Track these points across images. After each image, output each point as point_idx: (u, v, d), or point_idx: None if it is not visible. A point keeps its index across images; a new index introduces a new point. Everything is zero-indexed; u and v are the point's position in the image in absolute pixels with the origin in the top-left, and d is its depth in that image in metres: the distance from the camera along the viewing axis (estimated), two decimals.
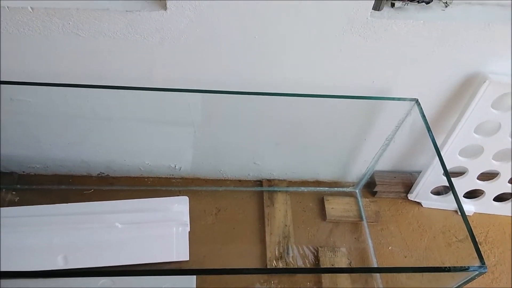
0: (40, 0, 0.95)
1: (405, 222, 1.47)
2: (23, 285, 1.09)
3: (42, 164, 1.39)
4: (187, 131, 1.31)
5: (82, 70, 1.10)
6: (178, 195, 1.42)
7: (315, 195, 1.51)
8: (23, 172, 1.41)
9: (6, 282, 1.05)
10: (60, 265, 1.21)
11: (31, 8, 0.94)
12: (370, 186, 1.51)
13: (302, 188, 1.51)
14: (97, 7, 0.95)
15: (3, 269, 1.17)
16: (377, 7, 0.98)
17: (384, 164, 1.46)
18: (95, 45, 1.03)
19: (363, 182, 1.48)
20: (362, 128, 1.28)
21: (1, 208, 1.30)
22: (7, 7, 0.94)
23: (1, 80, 1.06)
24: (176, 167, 1.44)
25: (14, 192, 1.37)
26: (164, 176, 1.48)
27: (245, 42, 1.05)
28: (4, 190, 1.36)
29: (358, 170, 1.47)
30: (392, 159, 1.45)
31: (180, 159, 1.42)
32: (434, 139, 1.08)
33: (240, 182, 1.52)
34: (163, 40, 1.03)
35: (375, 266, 1.35)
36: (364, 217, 1.44)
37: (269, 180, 1.51)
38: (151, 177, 1.47)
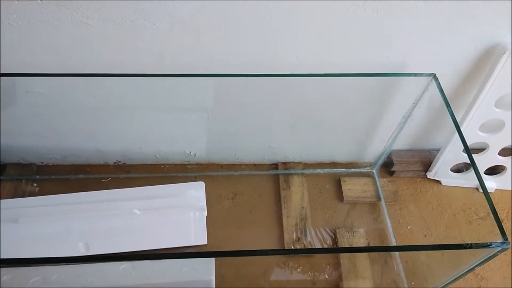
0: None
1: (424, 201, 1.45)
2: (49, 272, 1.13)
3: (60, 155, 1.41)
4: (201, 116, 1.30)
5: (94, 59, 1.10)
6: (194, 181, 1.42)
7: (332, 176, 1.49)
8: (42, 163, 1.43)
9: (30, 270, 1.08)
10: (81, 251, 1.23)
11: None
12: (387, 166, 1.49)
13: (318, 170, 1.49)
14: None
15: (27, 257, 1.21)
16: None
17: (401, 143, 1.43)
18: (105, 33, 1.02)
19: (380, 161, 1.46)
20: (378, 107, 1.26)
21: (22, 198, 1.33)
22: None
23: (16, 72, 1.06)
24: (191, 153, 1.44)
25: (34, 183, 1.40)
26: (179, 163, 1.48)
27: (256, 23, 1.03)
28: (24, 181, 1.39)
29: (375, 149, 1.45)
30: (410, 137, 1.42)
31: (195, 145, 1.42)
32: (453, 114, 1.05)
33: (256, 166, 1.51)
34: (173, 25, 1.02)
35: (394, 244, 1.33)
36: (382, 197, 1.42)
37: (284, 163, 1.50)
38: (167, 164, 1.48)
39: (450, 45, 1.10)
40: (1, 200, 1.31)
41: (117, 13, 0.98)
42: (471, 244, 0.84)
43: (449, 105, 1.06)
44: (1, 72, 1.07)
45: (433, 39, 1.08)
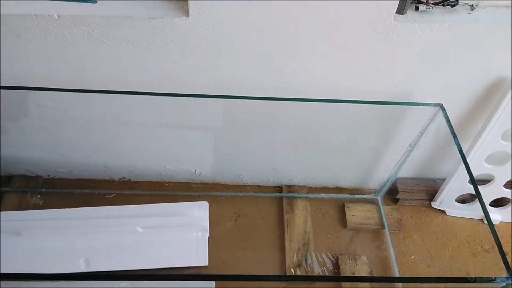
0: (66, 8, 0.97)
1: (429, 230, 1.44)
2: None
3: (66, 169, 1.41)
4: (208, 136, 1.31)
5: (106, 76, 1.12)
6: (198, 200, 1.42)
7: (336, 201, 1.49)
8: (48, 176, 1.44)
9: (28, 284, 1.07)
10: (82, 268, 1.23)
11: (58, 16, 0.97)
12: (392, 193, 1.48)
13: (323, 194, 1.49)
14: (121, 14, 0.97)
15: (27, 271, 1.20)
16: (400, 10, 0.97)
17: (407, 171, 1.43)
18: (119, 51, 1.05)
19: (385, 189, 1.46)
20: (384, 134, 1.26)
21: (26, 211, 1.34)
22: (34, 15, 0.96)
23: (29, 86, 1.08)
24: (197, 172, 1.45)
25: (39, 196, 1.40)
26: (184, 181, 1.48)
27: (266, 47, 1.05)
28: (29, 193, 1.39)
29: (380, 176, 1.44)
30: (416, 166, 1.42)
31: (200, 164, 1.42)
32: (459, 145, 1.05)
33: (260, 188, 1.51)
34: (185, 46, 1.04)
35: (397, 275, 1.31)
36: (386, 225, 1.41)
37: (289, 186, 1.50)
38: (172, 182, 1.48)
39: (458, 77, 1.12)
40: (5, 213, 1.31)
41: (132, 33, 1.00)
42: (475, 278, 0.83)
43: (456, 136, 1.07)
44: (14, 85, 1.09)
45: (442, 69, 1.10)
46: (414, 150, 1.27)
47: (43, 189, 1.41)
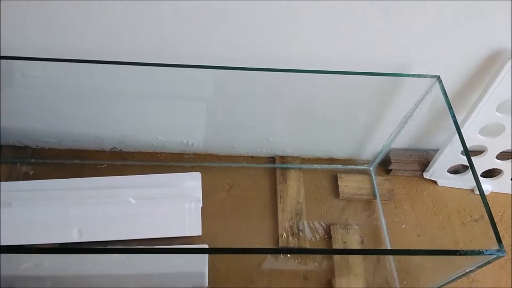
0: None
1: (420, 200, 1.46)
2: (41, 258, 1.12)
3: (56, 139, 1.39)
4: (200, 107, 1.29)
5: (94, 44, 1.08)
6: (190, 171, 1.42)
7: (328, 172, 1.49)
8: (37, 146, 1.42)
9: (23, 255, 1.08)
10: (75, 238, 1.23)
11: None
12: (385, 164, 1.49)
13: (316, 165, 1.49)
14: None
15: (19, 242, 1.20)
16: None
17: (400, 142, 1.43)
18: (106, 18, 1.00)
19: (378, 160, 1.46)
20: (379, 105, 1.25)
21: (16, 182, 1.32)
22: None
23: (13, 56, 1.04)
24: (189, 143, 1.43)
25: (28, 166, 1.38)
26: (176, 152, 1.47)
27: (260, 16, 1.01)
28: (18, 164, 1.37)
29: (373, 147, 1.44)
30: (409, 137, 1.42)
31: (192, 135, 1.40)
32: (455, 117, 1.04)
33: (253, 159, 1.50)
34: (176, 13, 1.00)
35: (388, 244, 1.34)
36: (378, 195, 1.42)
37: (282, 157, 1.49)
38: (164, 153, 1.47)
39: (455, 48, 1.09)
40: None
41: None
42: (465, 250, 0.84)
43: (451, 108, 1.06)
44: (7, 55, 1.04)
45: (439, 41, 1.07)
46: (409, 122, 1.26)
47: (33, 160, 1.39)
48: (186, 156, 1.47)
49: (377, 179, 1.46)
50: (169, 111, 1.31)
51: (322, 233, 1.35)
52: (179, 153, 1.47)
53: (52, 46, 1.07)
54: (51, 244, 1.22)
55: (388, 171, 1.48)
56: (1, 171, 1.34)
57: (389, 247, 1.34)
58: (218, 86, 1.20)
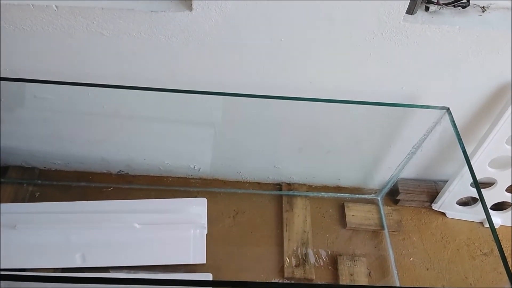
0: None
1: (428, 232, 1.43)
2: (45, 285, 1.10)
3: (63, 161, 1.39)
4: (208, 132, 1.29)
5: (106, 69, 1.09)
6: (196, 196, 1.41)
7: (336, 201, 1.47)
8: (44, 167, 1.42)
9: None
10: (78, 263, 1.21)
11: (56, 6, 0.94)
12: (393, 194, 1.47)
13: (323, 193, 1.47)
14: (122, 7, 0.94)
15: (23, 266, 1.19)
16: (410, 10, 0.94)
17: (408, 172, 1.42)
18: (119, 45, 1.02)
19: (386, 189, 1.44)
20: (388, 135, 1.24)
21: (22, 204, 1.32)
22: (32, 5, 0.93)
23: (26, 78, 1.05)
24: (196, 168, 1.43)
25: (35, 187, 1.38)
26: (183, 176, 1.46)
27: (271, 45, 1.03)
28: (25, 184, 1.37)
29: (381, 177, 1.43)
30: (418, 167, 1.40)
31: (199, 160, 1.40)
32: (464, 149, 1.03)
33: (259, 185, 1.49)
34: (187, 41, 1.02)
35: (396, 278, 1.31)
36: (385, 226, 1.40)
37: (288, 184, 1.48)
38: (170, 177, 1.46)
39: (465, 80, 1.09)
40: (1, 204, 1.29)
41: (133, 26, 0.97)
42: None
43: (461, 140, 1.05)
44: (11, 77, 1.06)
45: (449, 72, 1.08)
46: (417, 152, 1.26)
47: (39, 181, 1.39)
48: (193, 181, 1.47)
49: (384, 209, 1.43)
50: (176, 136, 1.31)
51: (329, 264, 1.32)
52: (185, 178, 1.47)
53: (64, 70, 1.09)
54: (54, 268, 1.20)
55: (396, 201, 1.46)
56: (7, 192, 1.34)
57: (397, 282, 1.30)
58: (226, 112, 1.21)
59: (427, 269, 1.35)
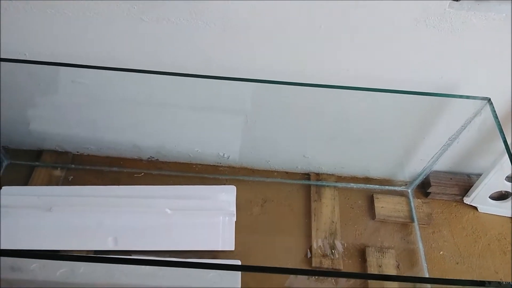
0: None
1: (459, 226, 1.40)
2: (77, 264, 1.13)
3: (96, 146, 1.41)
4: (238, 120, 1.29)
5: (142, 55, 1.09)
6: (224, 184, 1.41)
7: (365, 192, 1.46)
8: (78, 152, 1.44)
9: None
10: (110, 246, 1.23)
11: None
12: (424, 187, 1.45)
13: (352, 184, 1.46)
14: None
15: (57, 247, 1.21)
16: None
17: (441, 164, 1.39)
18: (158, 30, 1.02)
19: (417, 182, 1.42)
20: (423, 126, 1.22)
21: (57, 187, 1.34)
22: None
23: (64, 62, 1.06)
24: (225, 156, 1.43)
25: (68, 171, 1.40)
26: (212, 164, 1.47)
27: (309, 32, 1.01)
28: (59, 168, 1.40)
29: (412, 169, 1.41)
30: (451, 160, 1.38)
31: (229, 148, 1.40)
32: (506, 141, 1.00)
33: (288, 174, 1.49)
34: (225, 28, 1.01)
35: (425, 270, 1.29)
36: (415, 219, 1.38)
37: (317, 174, 1.47)
38: (200, 164, 1.47)
39: (507, 69, 1.06)
40: (37, 187, 1.32)
41: (173, 11, 0.97)
42: (509, 283, 0.79)
43: (502, 132, 1.02)
44: (50, 61, 1.07)
45: (492, 62, 1.04)
46: (453, 144, 1.23)
47: (73, 165, 1.41)
48: (221, 169, 1.47)
49: (415, 202, 1.41)
50: (207, 123, 1.31)
51: (357, 255, 1.31)
52: (214, 165, 1.47)
53: (101, 55, 1.09)
54: (87, 251, 1.22)
55: (426, 194, 1.44)
56: (42, 175, 1.37)
57: (426, 274, 1.29)
58: (257, 100, 1.20)
59: (457, 263, 1.33)
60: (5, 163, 1.40)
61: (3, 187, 1.30)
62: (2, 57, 1.05)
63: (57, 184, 1.35)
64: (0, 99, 1.22)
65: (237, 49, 1.07)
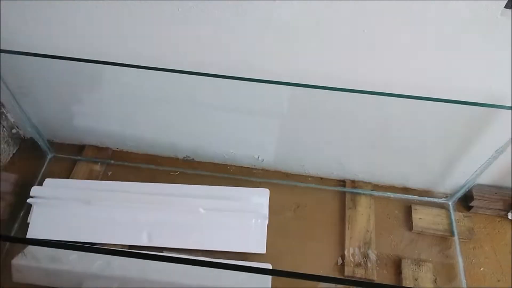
0: None
1: (502, 243, 1.34)
2: (113, 257, 1.16)
3: (135, 143, 1.45)
4: (275, 123, 1.28)
5: (184, 55, 1.11)
6: (258, 186, 1.41)
7: (402, 202, 1.41)
8: (117, 148, 1.48)
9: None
10: (144, 241, 1.26)
11: None
12: (466, 200, 1.39)
13: (389, 193, 1.42)
14: None
15: (94, 240, 1.25)
16: (509, 4, 0.87)
17: (485, 178, 1.32)
18: (201, 32, 1.03)
19: (459, 194, 1.36)
20: (468, 137, 1.17)
21: (96, 181, 1.39)
22: None
23: (107, 61, 1.09)
24: (259, 158, 1.43)
25: (108, 166, 1.45)
26: (246, 166, 1.47)
27: (352, 36, 0.99)
28: (99, 163, 1.44)
29: (454, 181, 1.35)
30: (497, 173, 1.31)
31: (264, 150, 1.40)
32: None
33: (322, 180, 1.47)
34: (267, 29, 1.01)
35: (464, 286, 1.24)
36: (455, 232, 1.32)
37: (353, 181, 1.44)
38: (234, 166, 1.48)
39: None
40: (78, 181, 1.37)
41: (218, 13, 0.98)
42: None
43: None
44: (92, 59, 1.10)
45: None
46: (500, 157, 1.17)
47: (112, 161, 1.46)
48: (255, 171, 1.47)
49: (455, 215, 1.36)
50: (243, 125, 1.31)
51: (392, 266, 1.28)
52: (248, 168, 1.48)
53: (143, 54, 1.12)
54: (122, 245, 1.26)
55: (468, 208, 1.38)
56: (83, 169, 1.42)
57: None
58: (295, 103, 1.19)
59: (498, 281, 1.27)
60: (49, 156, 1.46)
61: (46, 179, 1.35)
62: (52, 54, 1.09)
63: (96, 179, 1.40)
64: (47, 96, 1.28)
65: (278, 51, 1.06)
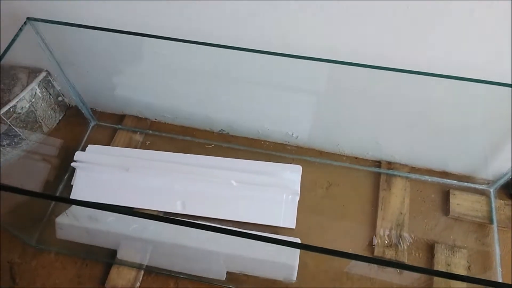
0: None
1: None
2: (149, 222, 1.21)
3: (172, 115, 1.48)
4: (311, 100, 1.26)
5: (221, 30, 1.11)
6: (291, 163, 1.41)
7: (440, 187, 1.37)
8: (155, 119, 1.53)
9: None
10: (178, 209, 1.31)
11: None
12: (508, 188, 1.32)
13: (426, 176, 1.38)
14: None
15: (132, 205, 1.31)
16: None
17: None
18: (237, 6, 1.02)
19: (501, 181, 1.30)
20: None
21: (135, 149, 1.44)
22: None
23: (147, 33, 1.12)
24: (293, 135, 1.42)
25: (146, 136, 1.50)
26: (280, 142, 1.47)
27: (394, 12, 0.95)
28: (138, 133, 1.49)
29: (497, 167, 1.29)
30: None
31: (298, 127, 1.39)
32: None
33: (357, 160, 1.44)
34: (308, 5, 0.98)
35: (499, 276, 1.19)
36: (494, 220, 1.27)
37: (389, 163, 1.41)
38: (268, 141, 1.48)
39: None
40: (118, 148, 1.43)
41: None
42: None
43: None
44: (143, 33, 1.12)
45: None
46: None
47: (150, 131, 1.50)
48: (289, 148, 1.47)
49: (496, 203, 1.30)
50: (279, 101, 1.31)
51: (424, 250, 1.25)
52: (282, 144, 1.48)
53: (182, 28, 1.13)
54: (157, 211, 1.31)
55: (510, 196, 1.32)
56: (123, 138, 1.48)
57: (500, 279, 1.19)
58: (332, 80, 1.17)
59: None
60: (92, 124, 1.53)
61: (89, 145, 1.42)
62: (96, 26, 1.13)
63: (135, 147, 1.45)
64: (90, 66, 1.33)
65: (316, 27, 1.04)
